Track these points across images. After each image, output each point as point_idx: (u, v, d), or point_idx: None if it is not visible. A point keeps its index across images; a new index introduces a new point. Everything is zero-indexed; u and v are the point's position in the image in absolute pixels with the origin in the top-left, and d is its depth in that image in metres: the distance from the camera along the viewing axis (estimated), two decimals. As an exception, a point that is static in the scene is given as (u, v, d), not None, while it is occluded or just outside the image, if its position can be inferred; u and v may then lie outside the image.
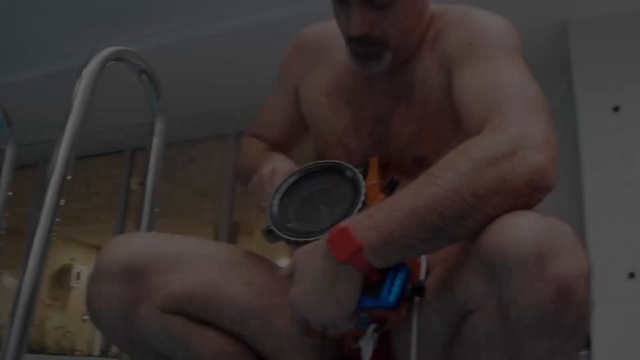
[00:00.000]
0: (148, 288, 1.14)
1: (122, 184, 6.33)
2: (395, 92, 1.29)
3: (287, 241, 1.11)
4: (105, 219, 7.30)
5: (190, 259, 1.19)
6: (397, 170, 1.23)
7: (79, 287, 9.04)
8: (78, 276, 9.03)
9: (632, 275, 3.31)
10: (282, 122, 1.49)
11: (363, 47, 1.23)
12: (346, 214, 1.06)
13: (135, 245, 1.18)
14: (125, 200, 6.24)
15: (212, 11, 4.40)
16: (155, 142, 1.79)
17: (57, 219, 1.35)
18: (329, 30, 1.39)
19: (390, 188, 1.11)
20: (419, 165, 1.23)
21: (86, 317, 8.73)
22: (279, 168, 1.26)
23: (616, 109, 3.66)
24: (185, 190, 6.80)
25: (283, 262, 1.36)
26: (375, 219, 0.95)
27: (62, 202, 1.37)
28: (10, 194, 2.06)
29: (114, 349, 5.52)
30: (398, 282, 0.98)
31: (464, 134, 1.09)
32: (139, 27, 4.52)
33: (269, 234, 1.14)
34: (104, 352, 5.57)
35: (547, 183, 0.93)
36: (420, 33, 1.28)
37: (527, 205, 0.92)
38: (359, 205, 1.06)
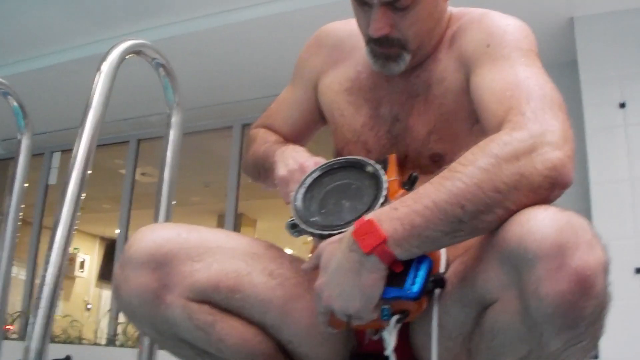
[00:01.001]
0: (175, 276, 1.17)
1: (128, 175, 6.34)
2: (413, 90, 1.32)
3: (312, 234, 1.14)
4: (109, 209, 7.34)
5: (215, 249, 1.22)
6: (414, 168, 1.26)
7: (83, 276, 9.10)
8: (82, 265, 9.08)
9: (638, 270, 3.33)
10: (296, 116, 1.52)
11: (382, 47, 1.26)
12: (369, 208, 1.09)
13: (162, 235, 1.21)
14: (130, 190, 6.26)
15: (217, 4, 4.42)
16: (172, 135, 1.81)
17: (78, 213, 1.37)
18: (348, 28, 1.41)
19: (409, 183, 1.14)
20: (436, 162, 1.26)
21: (90, 306, 8.80)
22: (319, 159, 1.28)
23: (622, 105, 3.67)
24: (189, 180, 6.82)
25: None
26: (399, 212, 0.98)
27: (83, 195, 1.38)
28: (26, 185, 2.08)
29: (121, 338, 5.55)
30: (421, 273, 1.02)
31: (482, 132, 1.12)
32: (145, 19, 4.52)
33: (293, 227, 1.17)
34: (111, 341, 5.60)
35: (565, 179, 0.97)
36: (438, 34, 1.31)
37: (546, 200, 0.96)
38: (381, 200, 1.09)
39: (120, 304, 1.19)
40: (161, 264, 1.16)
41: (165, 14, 4.52)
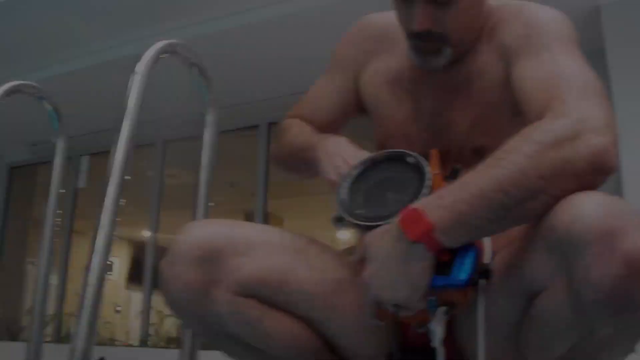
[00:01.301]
0: (222, 272, 1.18)
1: (156, 177, 6.37)
2: (454, 84, 1.32)
3: (357, 226, 1.14)
4: (134, 211, 7.38)
5: (260, 244, 1.23)
6: (457, 161, 1.25)
7: (111, 278, 9.18)
8: (110, 268, 9.16)
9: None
10: (336, 104, 1.49)
11: (424, 42, 1.27)
12: (414, 199, 1.09)
13: (209, 231, 1.22)
14: (159, 193, 6.28)
15: (240, 2, 4.43)
16: (207, 134, 1.82)
17: (117, 218, 1.37)
18: (388, 21, 1.40)
19: (452, 176, 1.13)
20: (478, 155, 1.25)
21: (119, 308, 8.86)
22: (366, 153, 1.27)
23: (652, 93, 3.65)
24: (215, 180, 6.83)
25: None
26: (444, 200, 1.00)
27: (123, 201, 1.39)
28: (62, 190, 2.09)
29: (153, 339, 5.59)
30: (468, 261, 1.02)
31: (523, 123, 1.12)
32: (170, 19, 4.55)
33: (338, 220, 1.17)
34: (143, 342, 5.64)
35: (609, 164, 0.97)
36: (478, 27, 1.31)
37: (591, 187, 0.96)
38: (426, 190, 1.09)
39: (168, 299, 1.21)
40: (208, 259, 1.17)
41: (189, 14, 4.54)
